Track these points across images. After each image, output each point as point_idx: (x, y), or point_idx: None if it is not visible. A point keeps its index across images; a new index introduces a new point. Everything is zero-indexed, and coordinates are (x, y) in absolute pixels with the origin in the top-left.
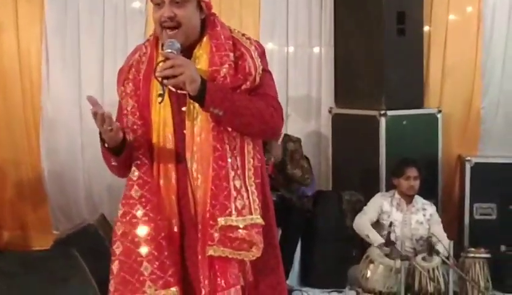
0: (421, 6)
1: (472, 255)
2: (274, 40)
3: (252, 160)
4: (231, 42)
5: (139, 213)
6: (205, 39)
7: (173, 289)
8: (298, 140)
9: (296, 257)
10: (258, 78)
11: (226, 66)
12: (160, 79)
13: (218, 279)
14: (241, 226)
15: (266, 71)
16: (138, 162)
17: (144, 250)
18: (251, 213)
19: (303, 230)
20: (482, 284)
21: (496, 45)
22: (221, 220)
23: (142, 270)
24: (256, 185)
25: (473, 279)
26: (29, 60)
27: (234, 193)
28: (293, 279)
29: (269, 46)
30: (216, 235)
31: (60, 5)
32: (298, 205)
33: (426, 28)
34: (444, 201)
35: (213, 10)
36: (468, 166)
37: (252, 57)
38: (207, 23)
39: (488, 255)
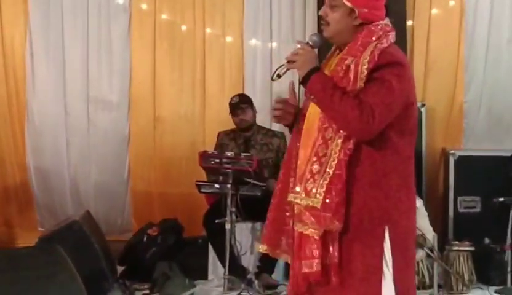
0: (404, 0)
1: (456, 248)
2: (258, 36)
3: (338, 153)
4: (362, 49)
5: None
6: (350, 42)
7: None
8: (283, 135)
9: None
10: (360, 83)
11: (339, 68)
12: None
13: (300, 248)
14: (303, 204)
15: (378, 79)
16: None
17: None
18: (315, 196)
19: None
20: (466, 276)
21: (478, 39)
22: (290, 196)
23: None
24: (335, 175)
25: (457, 272)
26: (13, 57)
27: (308, 175)
28: (278, 273)
29: (252, 42)
30: (296, 209)
31: (43, 2)
32: None
33: (409, 22)
34: (428, 195)
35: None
36: (451, 160)
37: (357, 64)
38: (362, 29)
39: (472, 248)
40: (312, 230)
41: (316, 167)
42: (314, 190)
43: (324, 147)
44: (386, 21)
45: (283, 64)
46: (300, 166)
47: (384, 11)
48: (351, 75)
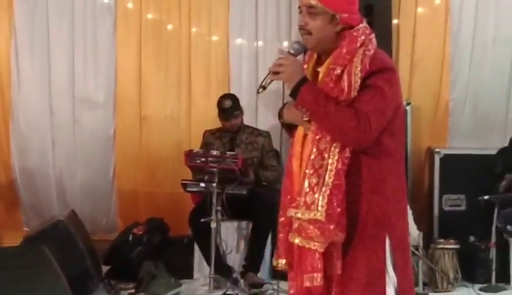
0: None
1: (441, 246)
2: (244, 35)
3: (335, 163)
4: (349, 57)
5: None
6: (336, 50)
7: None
8: (268, 134)
9: (267, 250)
10: (354, 93)
11: (328, 79)
12: (269, 73)
13: (301, 262)
14: (305, 219)
15: (371, 86)
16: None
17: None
18: (317, 209)
19: (274, 223)
20: (451, 275)
21: (464, 38)
22: (290, 211)
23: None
24: (334, 186)
25: (442, 270)
26: None
27: (306, 189)
28: (264, 272)
29: (238, 41)
30: (295, 223)
31: (29, 1)
32: (268, 198)
33: (394, 21)
34: (414, 193)
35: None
36: (437, 158)
37: (350, 74)
38: (344, 35)
39: (457, 246)
40: (316, 244)
41: (313, 179)
42: (315, 203)
43: (320, 159)
44: (364, 23)
45: (267, 76)
46: (295, 180)
47: (359, 13)
48: (344, 84)
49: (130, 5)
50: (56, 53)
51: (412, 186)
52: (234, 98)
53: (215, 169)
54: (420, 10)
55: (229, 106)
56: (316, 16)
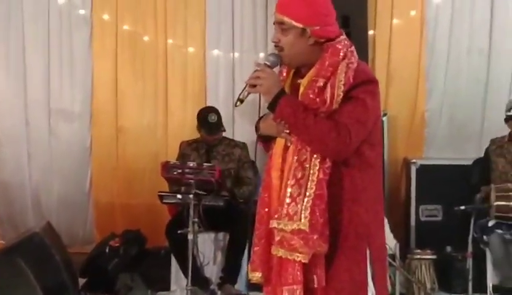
0: (365, 10)
1: (418, 256)
2: (220, 46)
3: (317, 172)
4: (331, 69)
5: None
6: (317, 63)
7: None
8: (245, 145)
9: (244, 262)
10: (335, 105)
11: (310, 91)
12: (246, 85)
13: (281, 275)
14: (288, 230)
15: (353, 98)
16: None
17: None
18: (300, 220)
19: (251, 234)
20: (428, 285)
21: (439, 48)
22: (273, 222)
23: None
24: (316, 195)
25: (419, 281)
26: None
27: (288, 199)
28: (241, 284)
29: (214, 52)
30: (277, 235)
31: (3, 13)
32: (245, 209)
33: (370, 32)
34: (390, 203)
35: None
36: (413, 169)
37: (333, 86)
38: (326, 47)
39: (434, 257)
40: (300, 255)
41: (295, 190)
42: (298, 213)
43: (301, 169)
44: (344, 35)
45: (244, 88)
46: (276, 191)
47: (337, 25)
48: (327, 96)
49: (106, 17)
50: (32, 64)
51: (388, 196)
52: (218, 113)
53: (191, 181)
54: (395, 21)
55: (215, 121)
56: (287, 31)
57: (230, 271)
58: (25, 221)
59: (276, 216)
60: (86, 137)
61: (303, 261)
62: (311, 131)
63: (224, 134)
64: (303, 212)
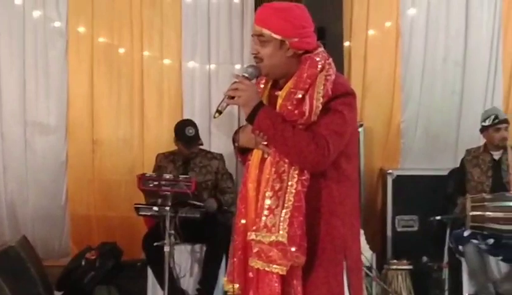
0: (341, 21)
1: (394, 267)
2: (196, 58)
3: (295, 184)
4: (310, 81)
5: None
6: (295, 74)
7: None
8: (222, 157)
9: (221, 273)
10: (314, 117)
11: (289, 103)
12: (225, 97)
13: (259, 287)
14: (266, 242)
15: (331, 110)
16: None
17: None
18: (278, 231)
19: (228, 245)
20: None
21: (414, 59)
22: (250, 234)
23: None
24: (294, 207)
25: (396, 291)
26: None
27: (266, 211)
28: None
29: (190, 64)
30: (255, 247)
31: None
32: (222, 221)
33: (346, 43)
34: (367, 214)
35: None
36: (389, 179)
37: (311, 98)
38: (304, 59)
39: (410, 267)
40: (278, 267)
41: (273, 202)
42: (276, 225)
43: (279, 181)
44: (322, 47)
45: (223, 100)
46: (252, 203)
47: (315, 37)
48: (305, 108)
49: (81, 29)
50: (7, 78)
51: (365, 207)
52: (195, 126)
53: (168, 193)
54: (371, 32)
55: (193, 134)
56: (266, 43)
57: (207, 283)
58: (0, 234)
59: (254, 228)
60: (62, 150)
61: (280, 273)
62: (289, 143)
63: (201, 146)
64: (281, 224)
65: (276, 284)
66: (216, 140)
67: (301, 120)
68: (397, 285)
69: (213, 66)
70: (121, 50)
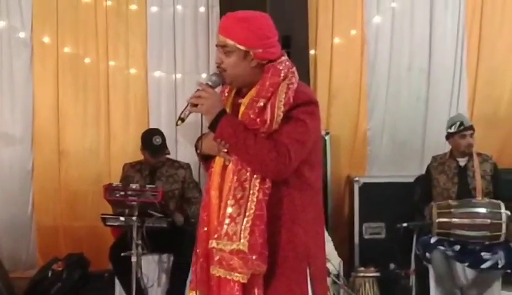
0: (306, 30)
1: (362, 274)
2: (162, 68)
3: (256, 193)
4: (272, 89)
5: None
6: (258, 83)
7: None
8: (188, 166)
9: (189, 283)
10: (275, 126)
11: (251, 111)
12: (188, 104)
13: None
14: (227, 250)
15: (293, 118)
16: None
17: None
18: (239, 240)
19: None
20: None
21: (380, 67)
22: (212, 243)
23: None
24: (256, 216)
25: None
26: None
27: (227, 220)
28: None
29: (156, 74)
30: (216, 255)
31: None
32: (189, 230)
33: (311, 51)
34: (334, 222)
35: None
36: (356, 187)
37: (273, 106)
38: (267, 68)
39: (377, 274)
40: (239, 275)
41: (234, 210)
42: (237, 234)
43: (241, 189)
44: (285, 56)
45: (186, 108)
46: (215, 211)
47: (279, 46)
48: (267, 116)
49: (46, 39)
50: None
51: (332, 214)
52: (162, 135)
53: (134, 203)
54: (336, 40)
55: (160, 144)
56: (230, 53)
57: (174, 292)
58: None
59: (216, 236)
60: (28, 160)
61: (241, 281)
62: (251, 151)
63: (168, 155)
64: (242, 232)
65: (237, 293)
66: (183, 149)
67: (262, 128)
68: (364, 292)
69: (179, 76)
70: (87, 60)
